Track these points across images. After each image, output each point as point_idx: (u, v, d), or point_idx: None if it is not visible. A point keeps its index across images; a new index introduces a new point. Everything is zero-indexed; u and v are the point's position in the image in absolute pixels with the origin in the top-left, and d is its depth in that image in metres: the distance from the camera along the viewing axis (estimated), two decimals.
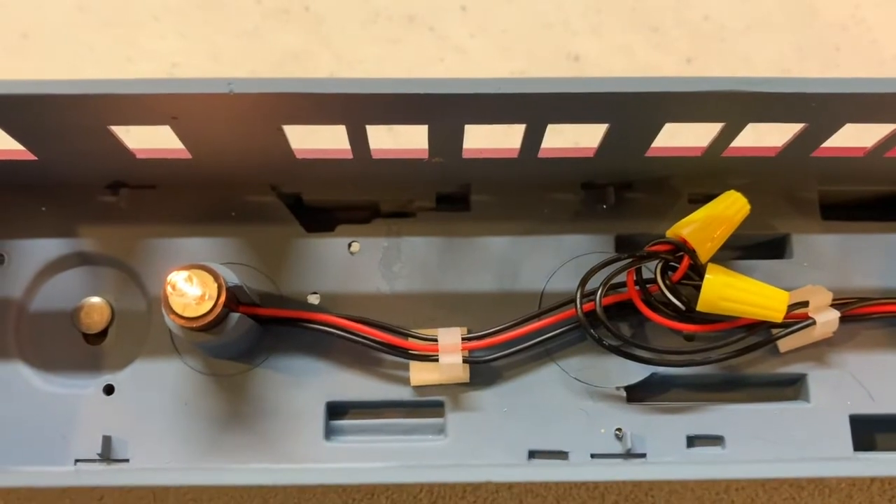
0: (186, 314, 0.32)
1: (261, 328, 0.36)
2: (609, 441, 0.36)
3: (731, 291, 0.34)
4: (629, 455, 0.36)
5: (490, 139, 0.37)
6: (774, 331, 0.36)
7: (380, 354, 0.36)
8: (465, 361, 0.35)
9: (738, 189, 0.36)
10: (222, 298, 0.32)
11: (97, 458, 0.35)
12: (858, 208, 0.39)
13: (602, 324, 0.35)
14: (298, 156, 0.35)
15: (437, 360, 0.35)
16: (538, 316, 0.36)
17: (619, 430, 0.36)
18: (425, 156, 0.35)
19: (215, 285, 0.32)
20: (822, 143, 0.35)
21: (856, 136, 0.35)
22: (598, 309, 0.35)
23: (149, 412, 0.36)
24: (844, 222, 0.38)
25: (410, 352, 0.36)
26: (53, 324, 0.37)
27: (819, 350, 0.37)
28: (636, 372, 0.36)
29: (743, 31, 0.51)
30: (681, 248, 0.35)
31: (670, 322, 0.35)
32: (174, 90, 0.29)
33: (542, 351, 0.37)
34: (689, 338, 0.37)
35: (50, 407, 0.36)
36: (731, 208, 0.35)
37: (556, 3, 0.51)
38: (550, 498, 0.41)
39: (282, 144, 0.34)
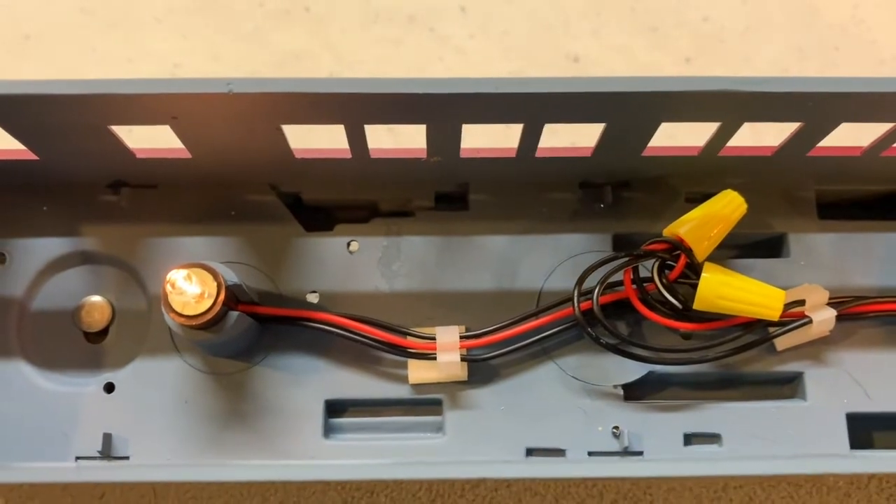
0: (186, 312, 0.32)
1: (260, 327, 0.36)
2: (606, 439, 0.36)
3: (727, 290, 0.34)
4: (626, 453, 0.36)
5: (488, 139, 0.37)
6: (771, 329, 0.36)
7: (378, 353, 0.36)
8: (463, 360, 0.36)
9: (735, 188, 0.36)
10: (221, 297, 0.32)
11: (98, 455, 0.35)
12: (855, 207, 0.40)
13: (599, 322, 0.35)
14: (298, 155, 0.35)
15: (435, 359, 0.35)
16: (536, 314, 0.36)
17: (616, 428, 0.36)
18: (424, 155, 0.35)
19: (214, 284, 0.32)
20: (818, 142, 0.35)
21: (852, 136, 0.35)
22: (595, 307, 0.35)
23: (149, 410, 0.36)
24: (841, 221, 0.39)
25: (409, 350, 0.36)
26: (54, 322, 0.37)
27: (816, 348, 0.37)
28: (633, 370, 0.37)
29: (743, 32, 0.51)
30: (678, 247, 0.35)
31: (667, 320, 0.35)
32: (174, 90, 0.30)
33: (539, 349, 0.37)
34: (687, 336, 0.37)
35: (51, 405, 0.36)
36: (727, 207, 0.35)
37: (556, 4, 0.52)
38: (549, 496, 0.41)
39: (281, 144, 0.34)
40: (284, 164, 0.36)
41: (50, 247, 0.37)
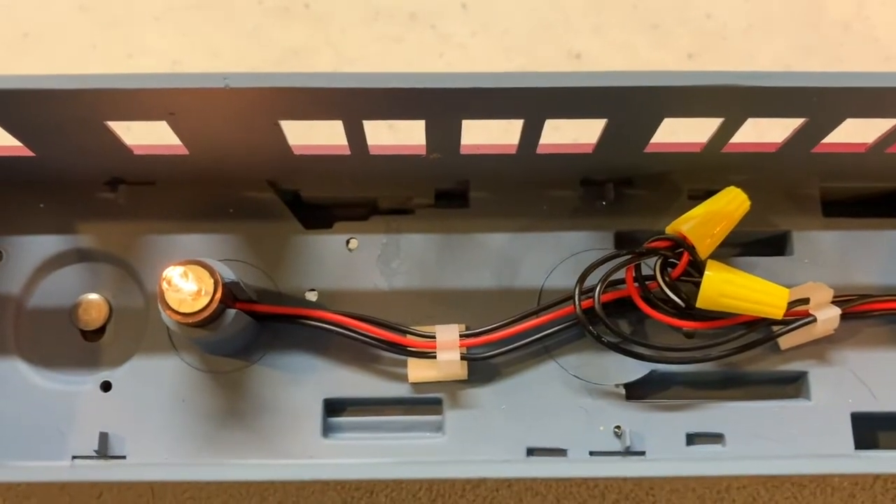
0: (182, 310, 0.32)
1: (258, 325, 0.36)
2: (608, 439, 0.36)
3: (731, 288, 0.34)
4: (628, 453, 0.35)
5: (489, 135, 0.36)
6: (775, 328, 0.36)
7: (378, 351, 0.36)
8: (463, 358, 0.35)
9: (738, 185, 0.35)
10: (218, 294, 0.32)
11: (94, 454, 0.35)
12: (860, 205, 0.39)
13: (601, 321, 0.35)
14: (296, 152, 0.35)
15: (435, 357, 0.35)
16: (537, 313, 0.36)
17: (618, 427, 0.36)
18: (424, 152, 0.35)
19: (211, 281, 0.32)
20: (822, 138, 0.34)
21: (857, 132, 0.35)
22: (596, 306, 0.35)
23: (146, 409, 0.36)
24: (846, 219, 0.38)
25: (408, 349, 0.36)
26: (51, 320, 0.37)
27: (820, 347, 0.37)
28: (635, 369, 0.36)
29: (745, 29, 0.51)
30: (680, 245, 0.35)
31: (670, 319, 0.35)
32: (170, 85, 0.29)
33: (540, 348, 0.36)
34: (689, 335, 0.37)
35: (47, 403, 0.36)
36: (731, 204, 0.35)
37: (558, 2, 0.51)
38: (550, 497, 0.41)
39: (279, 140, 0.34)
40: (283, 161, 0.36)
41: (46, 244, 0.37)
